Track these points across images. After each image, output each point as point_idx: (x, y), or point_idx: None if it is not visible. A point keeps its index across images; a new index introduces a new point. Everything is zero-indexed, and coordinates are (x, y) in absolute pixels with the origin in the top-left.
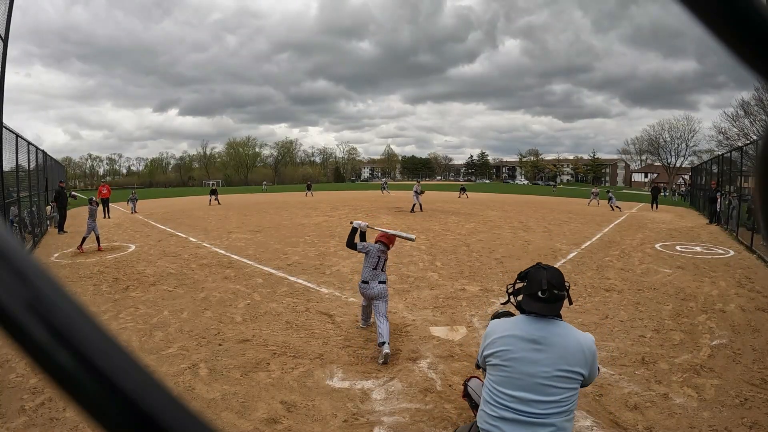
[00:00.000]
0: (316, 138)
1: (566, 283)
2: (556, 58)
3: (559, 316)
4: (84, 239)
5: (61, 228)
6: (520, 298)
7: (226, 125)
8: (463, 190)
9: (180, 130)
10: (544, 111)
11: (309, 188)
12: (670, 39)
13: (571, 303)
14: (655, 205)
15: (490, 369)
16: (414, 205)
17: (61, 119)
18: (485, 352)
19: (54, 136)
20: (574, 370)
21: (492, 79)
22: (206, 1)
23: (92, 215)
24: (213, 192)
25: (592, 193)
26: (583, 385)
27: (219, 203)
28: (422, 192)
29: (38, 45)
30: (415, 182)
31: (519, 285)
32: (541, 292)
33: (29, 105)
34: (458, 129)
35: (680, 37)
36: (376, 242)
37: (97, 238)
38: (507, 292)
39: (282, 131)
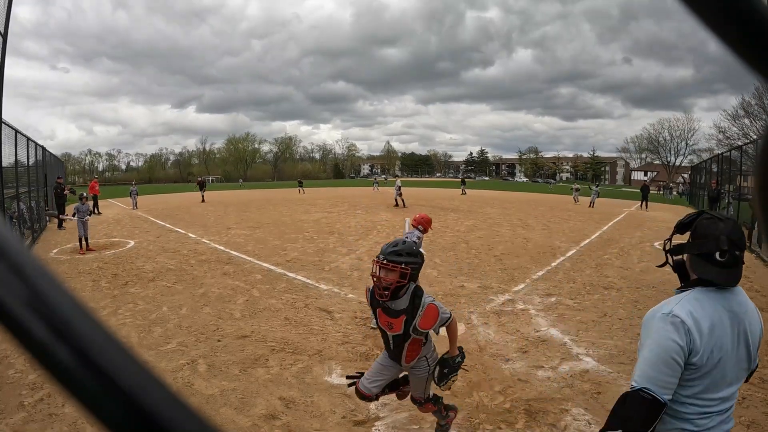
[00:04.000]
0: (325, 135)
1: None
2: (564, 65)
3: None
4: (84, 239)
5: (60, 224)
6: (683, 258)
7: (240, 122)
8: (463, 183)
9: (192, 126)
10: (547, 111)
11: (300, 185)
12: (667, 50)
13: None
14: (644, 204)
15: (694, 379)
16: (396, 200)
17: (77, 115)
18: (693, 357)
19: (68, 132)
20: (760, 339)
21: (502, 83)
22: (240, 10)
23: (81, 214)
24: (201, 186)
25: (573, 188)
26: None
27: (203, 200)
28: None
29: (71, 44)
30: (395, 179)
31: (679, 239)
32: (721, 254)
33: (49, 101)
34: (462, 127)
35: (676, 49)
36: None
37: (85, 239)
38: (664, 249)
39: (292, 128)
